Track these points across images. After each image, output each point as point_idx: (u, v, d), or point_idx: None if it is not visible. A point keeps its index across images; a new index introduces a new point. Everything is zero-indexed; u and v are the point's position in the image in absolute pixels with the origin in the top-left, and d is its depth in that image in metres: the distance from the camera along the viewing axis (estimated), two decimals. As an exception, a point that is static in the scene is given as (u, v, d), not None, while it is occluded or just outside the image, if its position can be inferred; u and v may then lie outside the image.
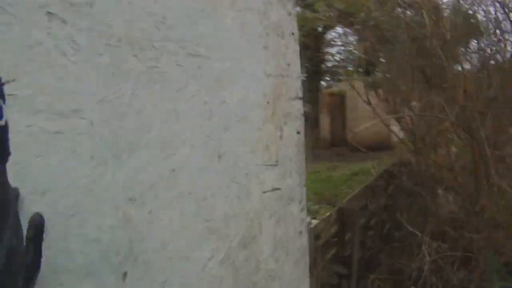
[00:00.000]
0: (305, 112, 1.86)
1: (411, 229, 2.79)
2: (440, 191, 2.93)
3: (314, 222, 2.38)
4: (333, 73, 15.59)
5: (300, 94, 1.81)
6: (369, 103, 4.43)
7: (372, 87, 5.86)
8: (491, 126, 2.78)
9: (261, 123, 1.56)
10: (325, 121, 14.60)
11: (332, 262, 2.55)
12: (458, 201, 2.86)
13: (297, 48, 1.81)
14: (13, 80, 0.73)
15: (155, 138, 1.07)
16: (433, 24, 3.46)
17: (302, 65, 1.87)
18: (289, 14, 1.73)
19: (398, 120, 4.75)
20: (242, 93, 1.46)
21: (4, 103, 0.39)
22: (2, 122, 0.38)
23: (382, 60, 5.03)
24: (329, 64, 15.13)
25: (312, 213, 3.74)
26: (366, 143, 10.53)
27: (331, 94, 14.27)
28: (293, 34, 1.80)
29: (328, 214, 2.48)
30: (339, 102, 13.90)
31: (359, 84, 5.90)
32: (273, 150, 1.63)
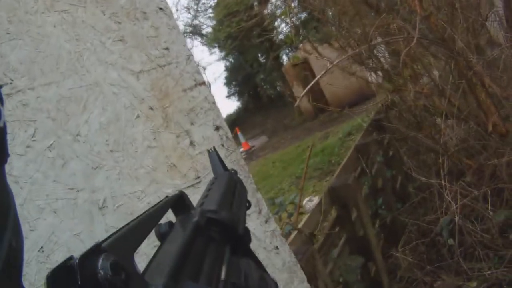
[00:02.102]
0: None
1: (423, 179, 2.29)
2: (438, 121, 2.43)
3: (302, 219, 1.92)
4: (289, 44, 15.10)
5: (201, 79, 1.36)
6: (321, 56, 3.96)
7: (323, 41, 5.43)
8: (464, 31, 2.27)
9: (151, 139, 1.11)
10: (300, 93, 14.10)
11: (345, 255, 2.06)
12: (462, 127, 2.36)
13: (174, 24, 1.35)
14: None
15: None
16: None
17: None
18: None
19: (367, 63, 4.26)
20: (107, 112, 1.01)
21: (2, 105, 0.36)
22: (1, 124, 0.35)
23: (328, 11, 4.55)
24: (280, 37, 14.60)
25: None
26: (347, 100, 10.10)
27: (294, 65, 13.73)
28: (161, 9, 1.34)
29: (317, 202, 2.00)
30: (305, 70, 13.42)
31: (316, 44, 5.43)
32: (185, 166, 1.18)
